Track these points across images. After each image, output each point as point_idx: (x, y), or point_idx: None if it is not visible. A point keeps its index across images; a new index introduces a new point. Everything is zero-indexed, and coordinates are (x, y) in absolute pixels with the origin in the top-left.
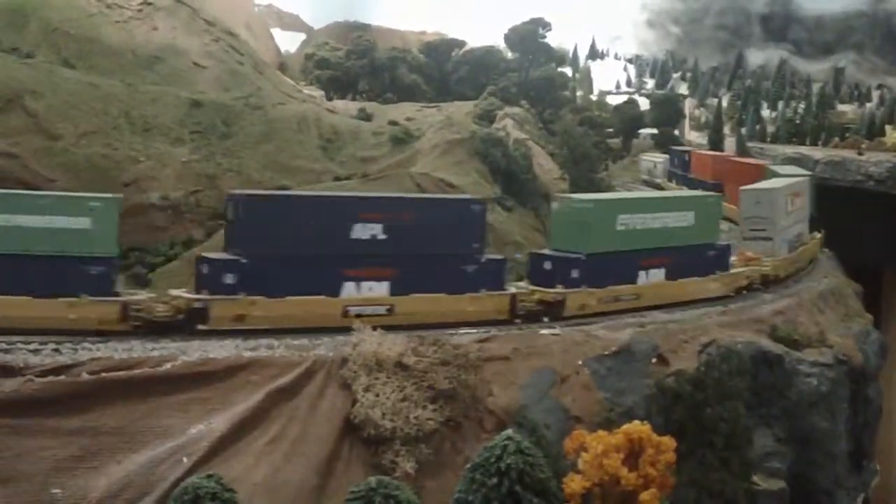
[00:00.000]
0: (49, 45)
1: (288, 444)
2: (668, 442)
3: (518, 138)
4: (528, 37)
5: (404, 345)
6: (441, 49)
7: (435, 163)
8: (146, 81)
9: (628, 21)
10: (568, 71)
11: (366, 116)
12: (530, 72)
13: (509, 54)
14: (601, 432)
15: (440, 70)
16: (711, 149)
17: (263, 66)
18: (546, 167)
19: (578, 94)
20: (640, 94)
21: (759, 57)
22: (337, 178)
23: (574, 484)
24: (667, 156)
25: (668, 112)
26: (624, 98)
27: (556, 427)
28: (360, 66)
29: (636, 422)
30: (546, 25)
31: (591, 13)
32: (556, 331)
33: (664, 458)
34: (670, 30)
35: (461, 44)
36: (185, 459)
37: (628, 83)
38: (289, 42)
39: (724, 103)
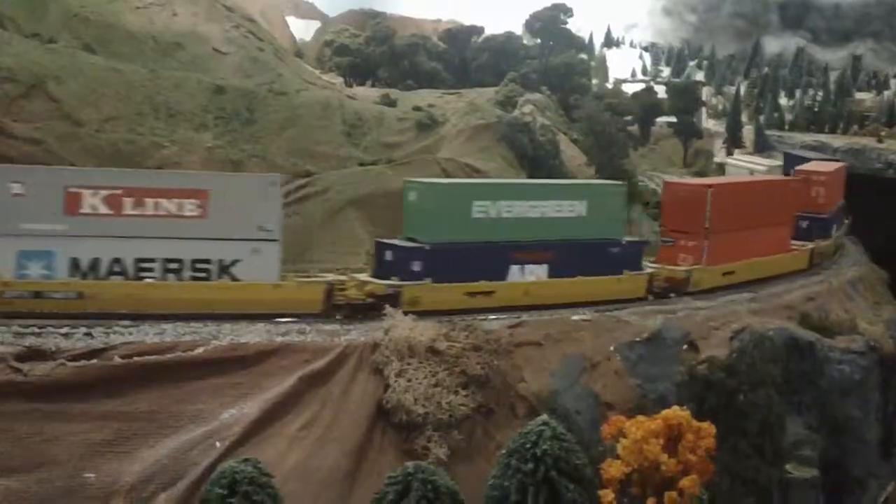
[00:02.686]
0: (69, 31)
1: (320, 430)
2: (708, 428)
3: (544, 124)
4: (550, 23)
5: (436, 330)
6: (460, 36)
7: (460, 148)
8: (167, 68)
9: (644, 9)
10: (584, 57)
11: (389, 102)
12: (550, 58)
13: (528, 41)
14: (640, 417)
15: (460, 57)
16: (729, 137)
17: (283, 52)
18: (568, 153)
19: (594, 81)
20: (656, 83)
21: (776, 45)
22: (361, 164)
23: (613, 469)
24: (770, 160)
25: (686, 100)
26: (639, 86)
27: (588, 413)
28: (380, 53)
29: (675, 407)
30: (567, 11)
31: (606, 1)
32: (587, 316)
33: (704, 444)
34: (686, 18)
35: (480, 30)
36: (217, 444)
37: (644, 71)
38: (304, 30)
39: (742, 91)
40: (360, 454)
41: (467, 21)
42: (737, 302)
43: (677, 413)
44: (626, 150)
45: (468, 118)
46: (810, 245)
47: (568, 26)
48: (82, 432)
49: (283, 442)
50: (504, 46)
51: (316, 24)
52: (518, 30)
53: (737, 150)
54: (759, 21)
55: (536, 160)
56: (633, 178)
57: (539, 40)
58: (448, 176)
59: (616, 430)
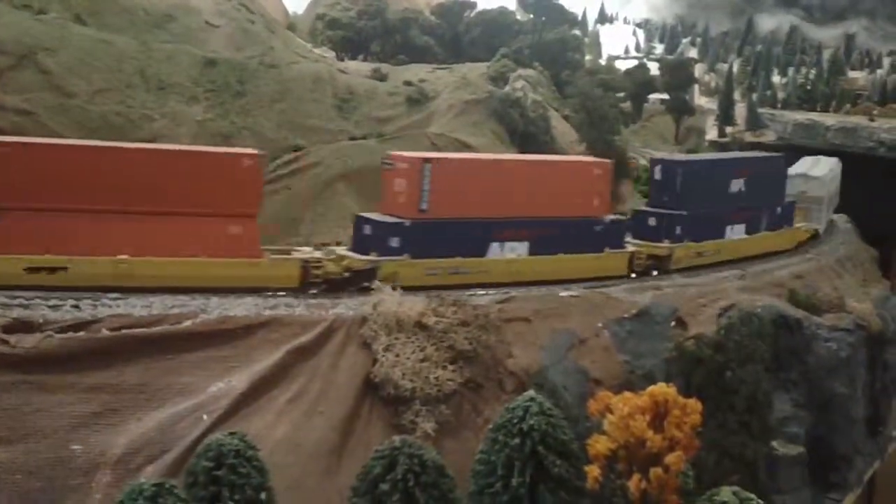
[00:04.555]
0: (60, 1)
1: (308, 403)
2: (694, 404)
3: (535, 100)
4: None
5: (424, 305)
6: (453, 10)
7: (451, 123)
8: (159, 39)
9: None
10: (577, 34)
11: (381, 77)
12: (543, 34)
13: (521, 16)
14: (627, 394)
15: (452, 31)
16: (721, 115)
17: (275, 25)
18: (560, 129)
19: (587, 58)
20: (650, 59)
21: (770, 22)
22: (352, 138)
23: (599, 445)
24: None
25: (679, 77)
26: (633, 63)
27: (576, 389)
28: (372, 27)
29: (661, 384)
30: None
31: None
32: (576, 292)
33: (690, 421)
34: None
35: (472, 5)
36: (205, 417)
37: (637, 48)
38: (296, 3)
39: (735, 69)
40: (348, 427)
41: None
42: (726, 279)
43: (664, 389)
44: (617, 126)
45: (459, 93)
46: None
47: (561, 2)
48: (69, 404)
49: (270, 415)
50: (497, 21)
51: None
52: (511, 5)
53: (728, 128)
54: None
55: (527, 136)
56: (624, 155)
57: (532, 15)
58: (438, 151)
59: (603, 405)
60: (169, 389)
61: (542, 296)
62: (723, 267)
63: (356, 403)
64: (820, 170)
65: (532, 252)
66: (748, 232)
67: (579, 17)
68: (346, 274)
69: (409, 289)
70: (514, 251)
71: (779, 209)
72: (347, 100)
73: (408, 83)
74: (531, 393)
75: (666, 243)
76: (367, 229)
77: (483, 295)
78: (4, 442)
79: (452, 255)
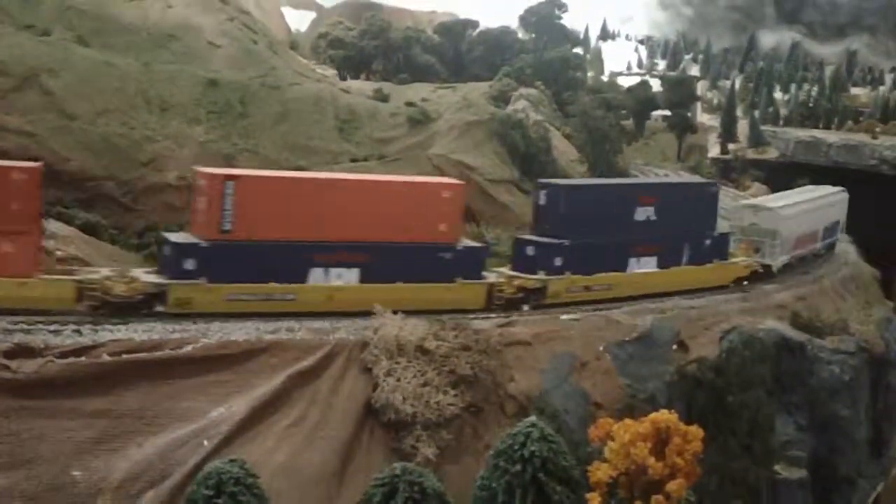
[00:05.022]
0: (63, 22)
1: (309, 428)
2: (696, 431)
3: (537, 120)
4: (545, 17)
5: (425, 329)
6: (455, 29)
7: (452, 144)
8: (161, 60)
9: (640, 1)
10: (579, 52)
11: (382, 97)
12: (545, 53)
13: (523, 35)
14: (628, 420)
15: (454, 50)
16: (724, 132)
17: (277, 45)
18: (561, 149)
19: (589, 75)
20: (652, 76)
21: (772, 39)
22: (354, 160)
23: (600, 472)
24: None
25: (681, 94)
26: (635, 80)
27: (577, 412)
28: (374, 46)
29: (663, 410)
30: (562, 6)
31: None
32: (577, 316)
33: (691, 448)
34: (682, 11)
35: (475, 24)
36: (205, 443)
37: (639, 64)
38: (299, 21)
39: (737, 86)
40: (348, 453)
41: (462, 13)
42: (728, 301)
43: (665, 416)
44: (619, 146)
45: (461, 114)
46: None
47: (563, 21)
48: (70, 430)
49: (270, 440)
50: (499, 40)
51: (312, 15)
52: (512, 23)
53: (731, 145)
54: (754, 14)
55: (528, 157)
56: (626, 175)
57: (534, 35)
58: (441, 173)
59: (604, 432)
60: (169, 414)
61: (542, 319)
62: (631, 302)
63: (357, 428)
64: (787, 200)
65: (364, 279)
66: (662, 265)
67: (582, 35)
68: (139, 296)
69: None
70: (340, 278)
71: (707, 241)
72: (349, 120)
73: (410, 104)
74: (532, 419)
75: (541, 275)
76: (167, 250)
77: (483, 318)
78: (5, 468)
79: (266, 280)
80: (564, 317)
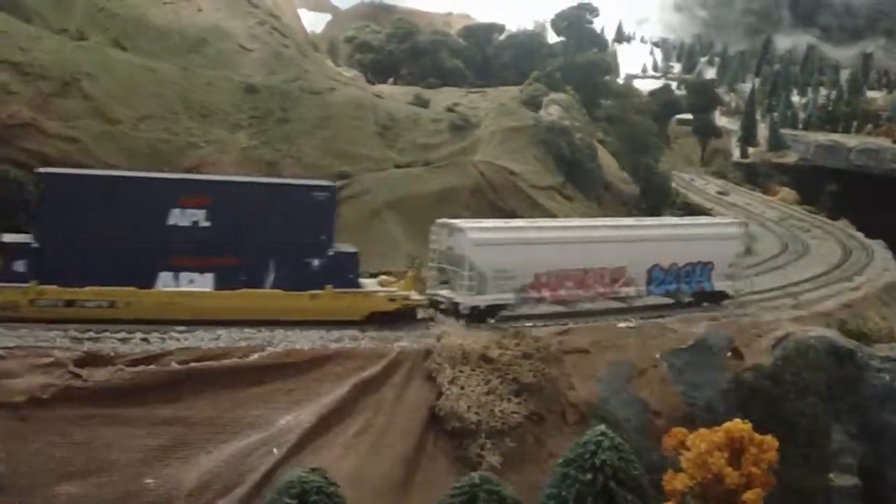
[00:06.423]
0: (96, 26)
1: (374, 436)
2: (771, 441)
3: (579, 126)
4: (575, 22)
5: (488, 337)
6: (481, 33)
7: (495, 150)
8: (194, 64)
9: (655, 4)
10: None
11: (422, 102)
12: (574, 57)
13: (551, 38)
14: (703, 430)
15: (481, 54)
16: (744, 135)
17: (306, 48)
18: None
19: (605, 78)
20: (667, 79)
21: (787, 42)
22: (398, 166)
23: (677, 482)
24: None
25: (704, 98)
26: (650, 82)
27: (635, 421)
28: (402, 50)
29: (737, 420)
30: (593, 10)
31: None
32: (633, 323)
33: (767, 458)
34: (697, 13)
35: (501, 28)
36: (275, 451)
37: (654, 67)
38: (314, 23)
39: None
40: (413, 462)
41: (476, 15)
42: (778, 309)
43: (739, 426)
44: (659, 153)
45: (502, 120)
46: None
47: (593, 25)
48: (140, 437)
49: (338, 449)
50: (528, 45)
51: (327, 17)
52: (526, 24)
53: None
54: (770, 17)
55: (573, 163)
56: (667, 182)
57: (563, 38)
58: (485, 179)
59: (677, 441)
60: (238, 422)
61: (598, 327)
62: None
63: (421, 437)
64: (522, 224)
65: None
66: (223, 285)
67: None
68: None
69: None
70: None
71: (316, 261)
72: (390, 126)
73: (450, 109)
74: (602, 427)
75: None
76: None
77: (543, 327)
78: (77, 476)
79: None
80: (621, 325)
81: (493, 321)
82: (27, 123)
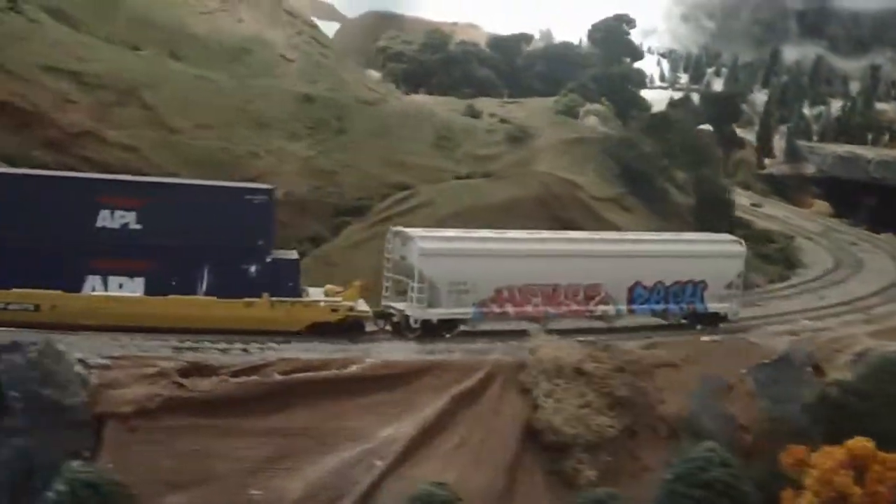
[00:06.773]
0: (139, 35)
1: (473, 449)
2: (894, 459)
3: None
4: (612, 33)
5: (581, 350)
6: (509, 43)
7: (554, 162)
8: (236, 74)
9: (662, 15)
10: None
11: (474, 113)
12: (608, 68)
13: (588, 50)
14: (827, 448)
15: (510, 64)
16: (760, 146)
17: (343, 57)
18: None
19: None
20: (674, 89)
21: (794, 53)
22: (457, 177)
23: (803, 501)
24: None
25: (725, 109)
26: (657, 93)
27: (725, 436)
28: (435, 60)
29: (859, 438)
30: (630, 22)
31: (624, 6)
32: (717, 337)
33: (891, 475)
34: (704, 24)
35: (529, 38)
36: (378, 462)
37: (662, 77)
38: (325, 32)
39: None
40: (511, 475)
41: (483, 25)
42: (853, 323)
43: (862, 443)
44: (719, 166)
45: (560, 131)
46: None
47: (630, 37)
48: (244, 448)
49: (438, 461)
50: (563, 56)
51: (335, 26)
52: (534, 32)
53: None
54: (777, 28)
55: (639, 174)
56: (727, 195)
57: (597, 49)
58: (548, 190)
59: (796, 459)
60: (339, 434)
61: (685, 341)
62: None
63: (518, 450)
64: (486, 234)
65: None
66: (154, 290)
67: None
68: None
69: None
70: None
71: (253, 267)
72: (446, 137)
73: (503, 120)
74: (711, 444)
75: None
76: None
77: (628, 339)
78: (182, 486)
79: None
80: (706, 339)
81: (448, 336)
82: (87, 132)
